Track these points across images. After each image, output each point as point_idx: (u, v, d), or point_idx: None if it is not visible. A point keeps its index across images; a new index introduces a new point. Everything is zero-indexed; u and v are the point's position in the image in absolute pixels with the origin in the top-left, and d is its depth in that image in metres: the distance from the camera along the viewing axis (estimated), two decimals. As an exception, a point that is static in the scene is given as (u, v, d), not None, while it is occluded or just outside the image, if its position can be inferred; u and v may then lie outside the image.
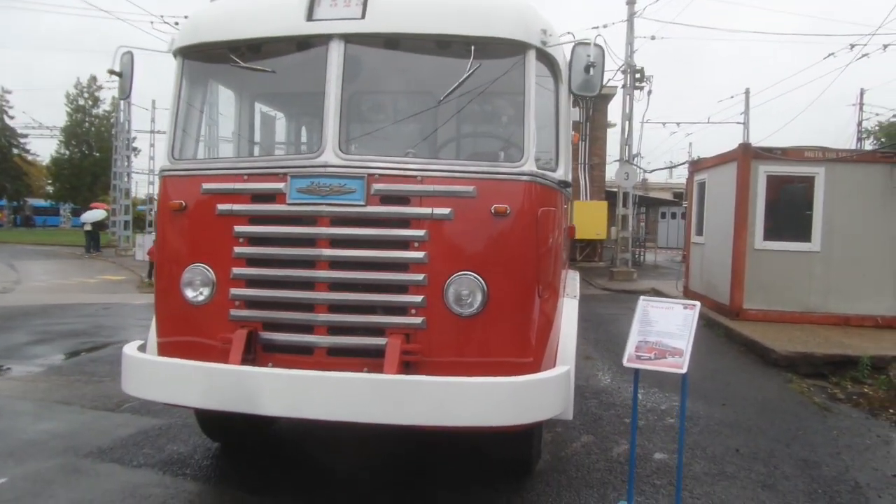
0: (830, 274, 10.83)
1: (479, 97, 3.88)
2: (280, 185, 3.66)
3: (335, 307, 3.63)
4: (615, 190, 21.20)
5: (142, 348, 4.08)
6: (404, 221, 3.60)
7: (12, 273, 20.57)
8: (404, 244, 3.59)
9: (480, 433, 3.67)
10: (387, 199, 3.59)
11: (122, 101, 32.03)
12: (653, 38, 21.65)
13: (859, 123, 34.90)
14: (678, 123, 37.05)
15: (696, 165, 14.27)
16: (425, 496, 4.43)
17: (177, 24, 22.14)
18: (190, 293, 3.85)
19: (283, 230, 3.67)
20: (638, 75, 19.21)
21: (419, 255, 3.56)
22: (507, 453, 4.42)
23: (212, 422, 4.80)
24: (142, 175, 37.41)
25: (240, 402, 3.43)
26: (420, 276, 3.57)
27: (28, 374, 7.69)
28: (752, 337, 9.67)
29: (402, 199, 3.60)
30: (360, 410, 3.29)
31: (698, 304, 4.05)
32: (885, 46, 15.90)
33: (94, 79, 51.68)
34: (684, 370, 3.87)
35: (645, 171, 28.60)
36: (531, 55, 3.75)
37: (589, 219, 20.64)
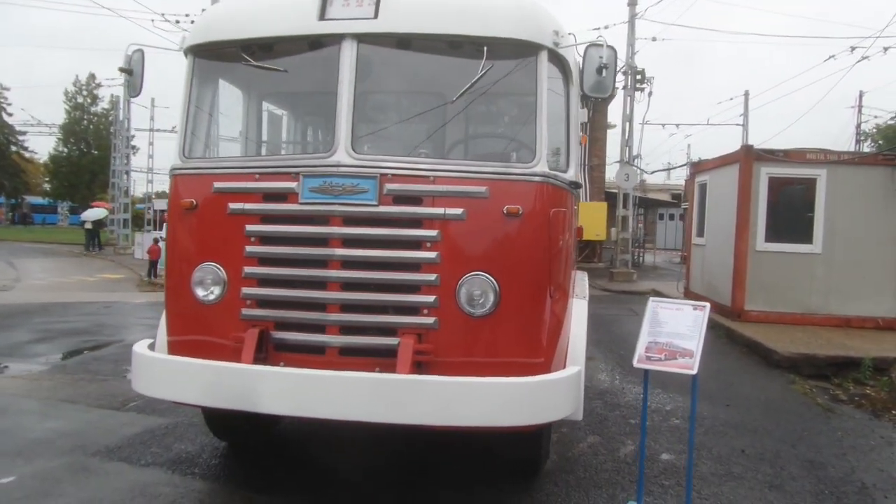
0: (831, 276, 10.86)
1: (491, 98, 3.89)
2: (292, 185, 3.66)
3: (347, 307, 3.63)
4: (615, 191, 21.23)
5: (151, 347, 4.07)
6: (417, 221, 3.60)
7: (11, 271, 20.55)
8: (417, 244, 3.59)
9: (491, 433, 3.69)
10: (399, 199, 3.60)
11: (120, 99, 32.09)
12: (654, 39, 21.73)
13: (858, 126, 34.98)
14: (677, 125, 37.21)
15: (698, 167, 14.30)
16: (430, 496, 4.44)
17: (177, 22, 22.13)
18: (201, 292, 3.85)
19: (296, 229, 3.67)
20: (639, 77, 19.25)
21: (431, 255, 3.57)
22: (516, 453, 4.43)
23: (219, 421, 4.80)
24: (140, 173, 37.34)
25: (251, 402, 3.43)
26: (432, 277, 3.57)
27: (32, 373, 7.68)
28: (754, 338, 9.69)
29: (415, 200, 3.61)
30: (373, 410, 3.29)
31: (708, 305, 4.07)
32: (886, 49, 15.96)
33: (92, 76, 51.67)
34: (695, 371, 3.88)
35: (645, 173, 28.61)
36: (543, 56, 3.75)
37: (588, 220, 20.58)
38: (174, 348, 4.02)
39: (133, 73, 4.30)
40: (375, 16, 3.67)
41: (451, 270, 3.56)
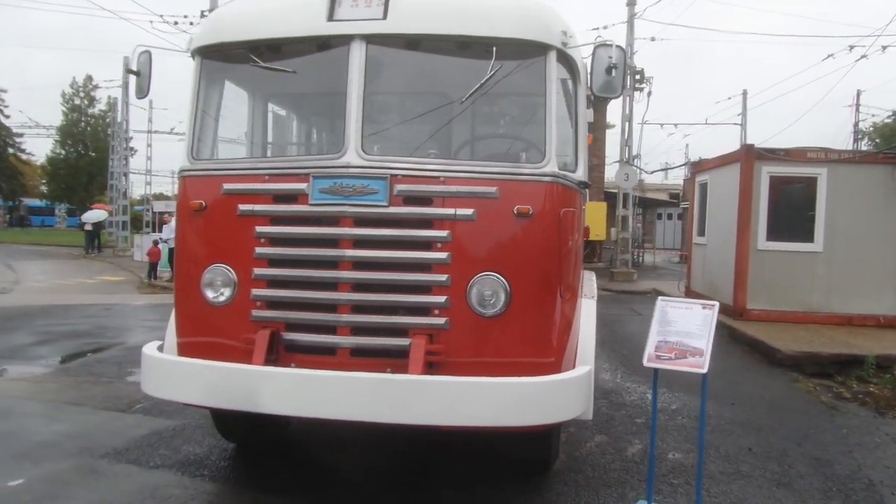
0: (833, 274, 10.89)
1: (500, 98, 3.89)
2: (302, 186, 3.66)
3: (358, 308, 3.63)
4: (614, 191, 21.25)
5: (160, 349, 4.07)
6: (427, 222, 3.60)
7: (10, 273, 20.52)
8: (427, 245, 3.60)
9: (502, 433, 3.69)
10: (410, 199, 3.60)
11: (118, 101, 32.03)
12: (653, 39, 21.75)
13: (856, 124, 35.07)
14: (676, 124, 37.20)
15: (698, 167, 14.32)
16: (435, 496, 4.43)
17: (176, 23, 22.11)
18: (210, 294, 3.85)
19: (306, 231, 3.67)
20: (638, 77, 19.28)
21: (442, 255, 3.57)
22: (527, 453, 4.44)
23: (228, 422, 4.79)
24: (138, 175, 37.28)
25: (261, 404, 3.43)
26: (443, 277, 3.57)
27: (35, 375, 7.67)
28: (756, 337, 9.71)
29: (425, 200, 3.61)
30: (387, 411, 3.29)
31: (717, 303, 4.07)
32: (885, 48, 16.00)
33: (90, 78, 51.62)
34: (705, 370, 3.89)
35: (645, 172, 28.66)
36: (552, 56, 3.76)
37: (589, 220, 20.64)
38: (184, 350, 4.01)
39: (141, 75, 4.29)
40: (384, 17, 3.67)
41: (461, 271, 3.57)
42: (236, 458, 5.00)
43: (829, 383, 8.06)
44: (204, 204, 3.90)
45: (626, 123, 19.78)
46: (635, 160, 21.10)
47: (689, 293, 14.00)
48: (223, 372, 3.51)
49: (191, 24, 22.68)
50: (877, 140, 36.49)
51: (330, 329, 3.67)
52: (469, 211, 3.56)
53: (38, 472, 4.61)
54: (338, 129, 3.91)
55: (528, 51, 3.75)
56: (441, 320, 3.58)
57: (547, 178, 3.63)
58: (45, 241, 38.79)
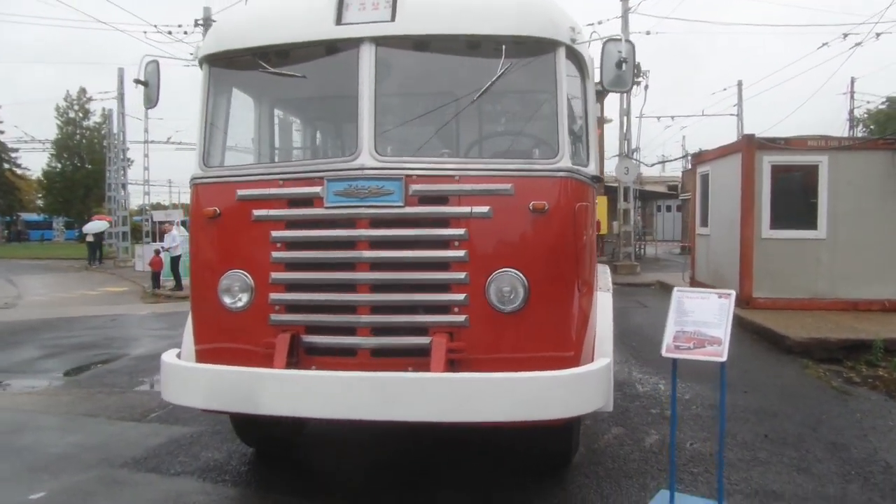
0: (837, 260, 10.92)
1: (510, 96, 3.91)
2: (317, 189, 3.68)
3: (378, 308, 3.64)
4: (614, 185, 21.27)
5: (178, 356, 4.08)
6: (444, 221, 3.62)
7: (12, 288, 20.49)
8: (444, 243, 3.61)
9: (525, 428, 3.71)
10: (425, 199, 3.61)
11: (113, 113, 31.99)
12: (648, 33, 21.74)
13: (851, 112, 35.10)
14: (673, 117, 37.19)
15: (699, 158, 14.36)
16: (459, 494, 4.43)
17: (170, 32, 22.09)
18: (228, 299, 3.86)
19: (323, 234, 3.68)
20: (635, 71, 19.27)
21: (460, 253, 3.59)
22: (548, 446, 4.45)
23: (247, 427, 4.80)
24: (136, 186, 37.27)
25: (289, 407, 3.45)
26: (462, 275, 3.59)
27: (47, 389, 7.68)
28: (764, 325, 9.73)
29: (441, 199, 3.62)
30: (413, 410, 3.31)
31: (733, 292, 4.08)
32: (878, 35, 16.02)
33: (83, 91, 51.46)
34: (724, 358, 3.90)
35: (645, 165, 28.69)
36: (561, 52, 3.77)
37: (593, 214, 20.72)
38: (202, 356, 4.03)
39: (149, 85, 4.30)
40: (392, 18, 3.68)
41: (479, 268, 3.58)
42: (256, 462, 5.01)
43: (838, 368, 8.09)
44: (218, 211, 3.91)
45: (625, 117, 19.83)
46: (634, 153, 21.13)
47: (694, 283, 14.02)
48: (247, 377, 3.52)
49: (185, 33, 22.75)
50: (871, 126, 36.50)
51: (349, 330, 3.69)
52: (485, 208, 3.58)
53: (59, 484, 4.61)
54: (350, 131, 3.93)
55: (537, 48, 3.77)
56: (461, 318, 3.59)
57: (561, 174, 3.65)
58: (44, 254, 38.74)
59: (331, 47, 3.84)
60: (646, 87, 19.76)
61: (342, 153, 3.90)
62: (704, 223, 13.66)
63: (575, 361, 3.70)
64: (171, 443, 5.40)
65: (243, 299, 3.84)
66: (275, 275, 3.77)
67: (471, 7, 3.73)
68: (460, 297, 3.59)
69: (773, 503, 4.25)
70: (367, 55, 3.68)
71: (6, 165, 53.97)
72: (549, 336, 3.67)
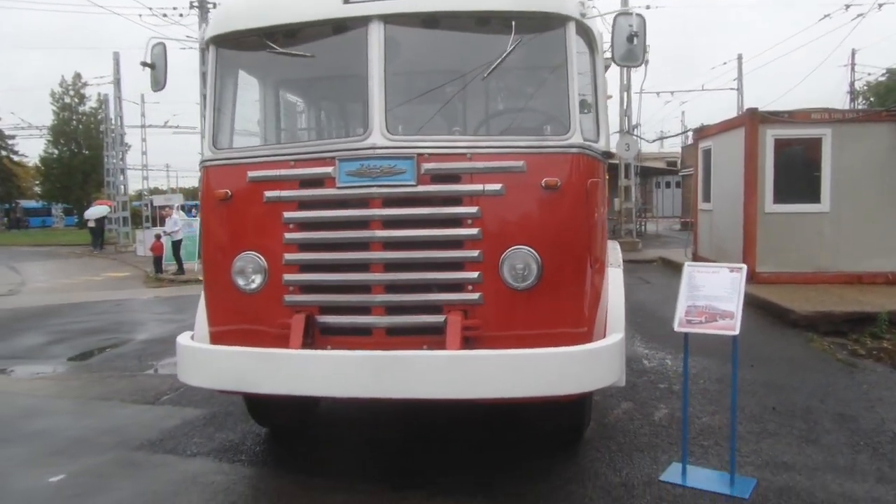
0: (840, 233, 10.93)
1: (521, 72, 3.89)
2: (328, 170, 3.67)
3: (392, 287, 3.66)
4: (615, 162, 21.20)
5: (192, 339, 4.10)
6: (456, 199, 3.63)
7: (15, 275, 20.52)
8: (457, 221, 3.62)
9: (539, 403, 3.75)
10: (438, 177, 3.61)
11: (109, 97, 31.82)
12: (647, 7, 21.54)
13: (851, 84, 34.91)
14: (672, 92, 36.83)
15: (701, 133, 14.30)
16: (475, 469, 4.47)
17: (165, 15, 21.91)
18: (241, 281, 3.88)
19: (336, 214, 3.69)
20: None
21: (473, 231, 3.60)
22: (561, 422, 4.50)
23: (261, 407, 4.84)
24: (134, 171, 37.16)
25: (308, 387, 3.49)
26: (475, 253, 3.60)
27: (58, 374, 7.74)
28: (768, 299, 9.76)
29: (453, 178, 3.63)
30: (433, 388, 3.35)
31: (745, 266, 4.11)
32: (881, 6, 15.88)
33: (78, 76, 51.06)
34: (737, 332, 3.94)
35: (646, 141, 28.60)
36: (571, 27, 3.75)
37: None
38: (216, 338, 4.05)
39: (156, 68, 4.29)
40: None
41: (493, 246, 3.60)
42: (270, 441, 5.06)
43: (843, 341, 8.13)
44: (229, 193, 3.91)
45: (625, 93, 19.73)
46: (635, 130, 21.06)
47: (697, 259, 14.05)
48: (264, 357, 3.55)
49: (181, 15, 22.53)
50: (871, 99, 36.32)
51: (364, 310, 3.71)
52: (497, 186, 3.58)
53: (77, 467, 4.66)
54: (360, 111, 3.92)
55: (547, 23, 3.75)
56: (475, 295, 3.61)
57: (573, 150, 3.65)
58: (45, 241, 38.71)
59: (339, 26, 3.82)
60: (646, 63, 19.59)
61: (353, 133, 3.89)
62: (707, 198, 13.65)
63: (588, 337, 3.73)
64: (185, 424, 5.45)
65: (257, 281, 3.85)
66: (288, 256, 3.78)
67: None
68: (474, 274, 3.61)
69: (783, 474, 4.30)
70: (376, 33, 3.66)
71: (3, 153, 53.75)
72: (563, 312, 3.70)
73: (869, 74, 34.88)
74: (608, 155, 4.23)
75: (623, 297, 4.21)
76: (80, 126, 51.48)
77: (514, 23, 3.64)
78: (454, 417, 5.26)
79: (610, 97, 23.93)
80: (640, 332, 8.55)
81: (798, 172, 11.14)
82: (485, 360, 3.37)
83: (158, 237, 18.92)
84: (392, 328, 3.68)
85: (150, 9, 20.98)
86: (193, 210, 28.04)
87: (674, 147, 47.32)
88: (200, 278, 15.18)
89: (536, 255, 3.58)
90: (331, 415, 5.59)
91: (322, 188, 3.71)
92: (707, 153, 13.56)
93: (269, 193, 3.80)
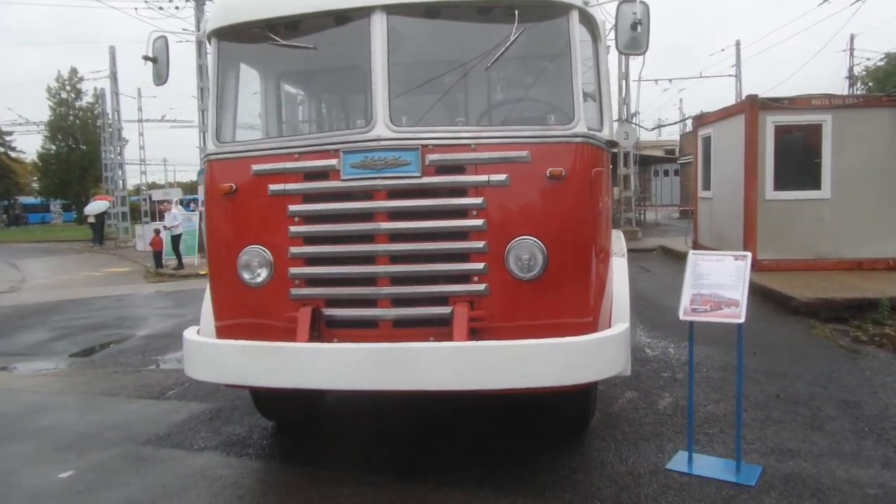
0: (841, 220, 10.94)
1: (524, 62, 3.87)
2: (333, 162, 3.67)
3: (398, 279, 3.66)
4: (614, 150, 21.19)
5: (199, 333, 4.10)
6: (461, 190, 3.62)
7: (15, 272, 20.51)
8: (463, 213, 3.62)
9: (547, 393, 3.75)
10: (442, 168, 3.60)
11: (106, 92, 31.68)
12: (644, -6, 21.39)
13: (850, 69, 34.81)
14: (670, 80, 36.67)
15: (701, 120, 14.28)
16: (481, 459, 4.49)
17: (161, 8, 21.81)
18: (247, 275, 3.87)
19: (341, 206, 3.68)
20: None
21: (478, 222, 3.59)
22: (567, 411, 4.52)
23: (268, 401, 4.86)
24: (132, 165, 37.03)
25: (316, 380, 3.49)
26: (481, 244, 3.60)
27: (62, 370, 7.74)
28: (769, 286, 9.78)
29: (458, 168, 3.62)
30: (441, 380, 3.35)
31: (749, 254, 4.12)
32: (880, -11, 15.78)
33: (74, 71, 50.87)
34: (742, 320, 3.95)
35: (645, 129, 28.54)
36: (574, 16, 3.74)
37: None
38: (223, 332, 4.05)
39: (158, 61, 4.27)
40: None
41: (498, 236, 3.59)
42: (276, 435, 5.07)
43: (845, 328, 8.15)
44: (234, 186, 3.90)
45: (623, 81, 19.67)
46: (634, 118, 21.02)
47: (698, 247, 14.06)
48: (272, 351, 3.55)
49: (176, 8, 22.44)
50: (869, 84, 36.22)
51: (370, 302, 3.71)
52: (502, 176, 3.57)
53: (85, 462, 4.68)
54: (363, 103, 3.90)
55: (550, 12, 3.74)
56: (481, 286, 3.61)
57: (578, 139, 3.64)
58: (44, 238, 38.67)
59: (341, 17, 3.80)
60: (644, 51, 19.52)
61: (357, 125, 3.88)
62: (707, 186, 13.64)
63: (593, 327, 3.74)
64: (191, 419, 5.46)
65: (262, 274, 3.85)
66: (293, 249, 3.77)
67: None
68: (480, 265, 3.61)
69: (789, 461, 4.32)
70: (379, 24, 3.64)
71: (1, 149, 53.55)
72: (569, 302, 3.70)
73: (868, 59, 34.84)
74: (612, 144, 4.23)
75: (628, 286, 4.21)
76: (77, 121, 51.33)
77: (517, 12, 3.62)
78: (459, 409, 5.28)
79: (608, 86, 23.92)
80: (642, 321, 8.55)
81: (798, 159, 11.13)
82: (492, 351, 3.38)
83: (158, 232, 18.91)
84: (398, 320, 3.68)
85: (146, 1, 20.81)
86: (192, 204, 27.99)
87: (672, 135, 47.29)
88: (201, 273, 15.22)
89: (542, 245, 3.58)
90: (337, 407, 5.60)
91: (327, 181, 3.70)
92: (707, 141, 13.54)
93: (273, 187, 3.79)
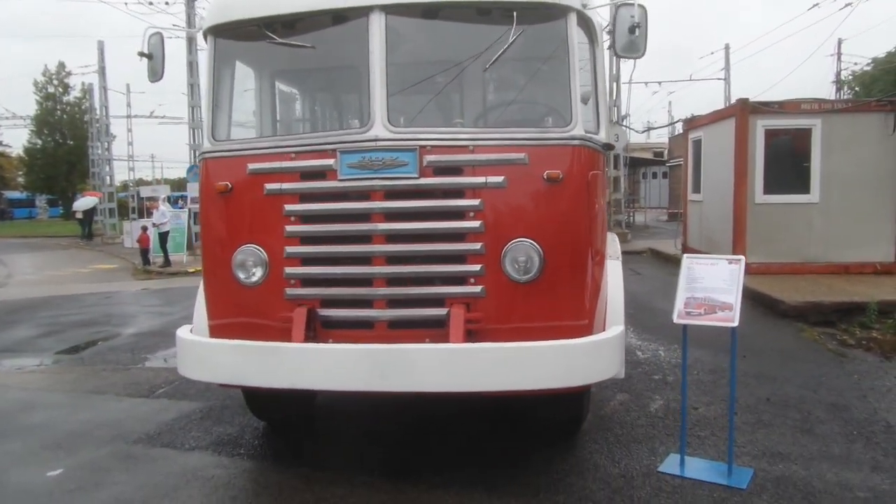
0: (829, 224, 11.04)
1: (522, 64, 3.88)
2: (330, 162, 3.65)
3: (394, 280, 3.65)
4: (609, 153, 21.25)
5: (192, 332, 4.07)
6: (458, 191, 3.62)
7: (2, 268, 20.28)
8: (460, 214, 3.62)
9: (542, 396, 3.76)
10: (440, 170, 3.60)
11: (94, 87, 31.42)
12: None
13: (838, 74, 35.11)
14: (660, 82, 36.86)
15: (692, 123, 14.36)
16: (473, 461, 4.49)
17: (151, 3, 21.64)
18: (242, 274, 3.85)
19: (337, 206, 3.67)
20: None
21: (475, 224, 3.59)
22: (561, 414, 4.52)
23: (260, 401, 4.83)
24: (120, 161, 36.78)
25: (311, 380, 3.48)
26: (477, 245, 3.60)
27: (50, 367, 7.67)
28: (759, 290, 9.84)
29: (456, 170, 3.62)
30: (436, 381, 3.36)
31: (743, 258, 4.15)
32: (869, -5, 15.93)
33: (62, 65, 50.39)
34: (735, 324, 3.98)
35: (636, 132, 28.65)
36: (572, 18, 3.75)
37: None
38: (216, 332, 4.03)
39: (153, 58, 4.23)
40: None
41: (495, 238, 3.60)
42: (269, 435, 5.05)
43: (832, 331, 8.22)
44: (229, 185, 3.88)
45: (614, 84, 19.72)
46: (624, 120, 21.10)
47: (687, 250, 14.13)
48: (268, 351, 3.54)
49: (167, 3, 22.28)
50: (856, 88, 36.51)
51: (366, 303, 3.70)
52: (499, 178, 3.58)
53: (75, 461, 4.64)
54: (361, 103, 3.90)
55: (548, 14, 3.74)
56: (477, 288, 3.61)
57: (575, 142, 3.65)
58: (31, 233, 38.28)
59: (340, 16, 3.79)
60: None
61: (354, 125, 3.87)
62: (697, 189, 13.72)
63: (588, 330, 3.75)
64: (181, 418, 5.43)
65: (257, 274, 3.83)
66: (289, 249, 3.76)
67: None
68: (476, 267, 3.61)
69: (780, 464, 4.35)
70: (378, 24, 3.63)
71: (-15, 143, 53.03)
72: (564, 305, 3.70)
73: (855, 64, 35.03)
74: (608, 147, 4.24)
75: (622, 289, 4.23)
76: (65, 116, 50.86)
77: (515, 13, 3.63)
78: (453, 410, 5.28)
79: (600, 88, 24.00)
80: (633, 324, 8.57)
81: (788, 163, 11.22)
82: (487, 353, 3.38)
83: (145, 229, 18.77)
84: (394, 321, 3.67)
85: (137, -5, 20.64)
86: (180, 201, 27.85)
87: (660, 137, 47.50)
88: (189, 270, 15.08)
89: (538, 247, 3.59)
90: (330, 407, 5.58)
91: (323, 180, 3.69)
92: (697, 144, 13.62)
93: (269, 186, 3.77)
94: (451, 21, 3.83)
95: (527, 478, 4.15)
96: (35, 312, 11.47)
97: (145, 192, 26.53)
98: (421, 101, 3.94)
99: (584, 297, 3.75)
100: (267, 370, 3.53)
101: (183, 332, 3.97)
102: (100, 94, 30.19)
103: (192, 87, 20.68)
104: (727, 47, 33.37)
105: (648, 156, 44.19)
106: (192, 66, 20.48)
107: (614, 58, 19.46)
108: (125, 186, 36.93)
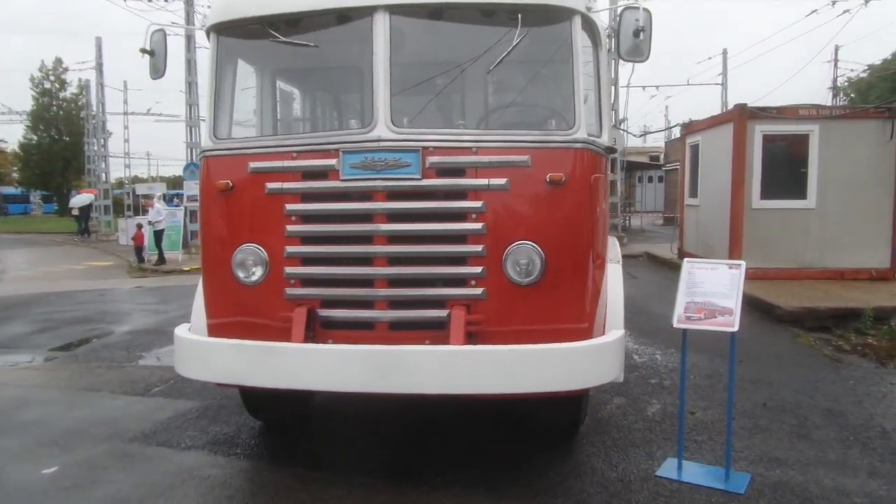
0: (826, 229, 11.06)
1: (525, 66, 3.87)
2: (332, 162, 3.64)
3: (395, 281, 3.64)
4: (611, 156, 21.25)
5: (190, 331, 4.06)
6: (461, 193, 3.61)
7: (-5, 263, 20.22)
8: (462, 216, 3.61)
9: (541, 398, 3.76)
10: (443, 171, 3.60)
11: (91, 84, 31.33)
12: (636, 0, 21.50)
13: (834, 80, 35.28)
14: (657, 87, 36.91)
15: (689, 128, 14.39)
16: (472, 462, 4.49)
17: (150, 0, 21.58)
18: (242, 273, 3.84)
19: (339, 206, 3.66)
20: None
21: (477, 226, 3.59)
22: (559, 417, 4.52)
23: (257, 400, 4.81)
24: (116, 158, 36.67)
25: (311, 381, 3.47)
26: (479, 248, 3.59)
27: (45, 364, 7.64)
28: (755, 295, 9.85)
29: (458, 171, 3.61)
30: (436, 383, 3.34)
31: (743, 263, 4.15)
32: (867, 1, 16.01)
33: (59, 61, 50.22)
34: (735, 328, 3.98)
35: (633, 136, 28.69)
36: (577, 21, 3.74)
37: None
38: (215, 331, 4.01)
39: (155, 55, 4.22)
40: None
41: (497, 240, 3.59)
42: (265, 435, 5.03)
43: (828, 337, 8.25)
44: (230, 184, 3.86)
45: (612, 87, 19.74)
46: (622, 124, 21.13)
47: (683, 255, 14.15)
48: (267, 351, 3.52)
49: (165, 0, 22.21)
50: (852, 95, 36.71)
51: (367, 304, 3.69)
52: (502, 180, 3.57)
53: (71, 458, 4.61)
54: (364, 103, 3.89)
55: (553, 17, 3.74)
56: (478, 290, 3.61)
57: (578, 145, 3.65)
58: (25, 229, 38.14)
59: (344, 16, 3.78)
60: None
61: (357, 125, 3.86)
62: (694, 194, 13.74)
63: (588, 333, 3.74)
64: (177, 417, 5.41)
65: (257, 273, 3.82)
66: (290, 248, 3.75)
67: None
68: (478, 269, 3.60)
69: (777, 469, 4.35)
70: (382, 24, 3.63)
71: (-20, 138, 52.75)
72: (565, 308, 3.70)
73: (851, 71, 35.25)
74: (610, 150, 4.24)
75: (622, 293, 4.23)
76: (61, 112, 50.70)
77: (519, 15, 3.62)
78: (452, 412, 5.27)
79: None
80: (629, 328, 8.49)
81: (785, 168, 11.25)
82: (488, 355, 3.37)
83: (140, 227, 18.72)
84: (395, 323, 3.67)
85: (136, -8, 20.62)
86: (176, 199, 27.79)
87: (656, 141, 47.55)
88: (185, 269, 15.05)
89: (540, 250, 3.58)
90: (328, 408, 5.56)
91: (325, 180, 3.68)
92: (695, 148, 13.65)
93: (270, 185, 3.76)
94: (456, 22, 3.82)
95: (528, 479, 4.15)
96: (29, 309, 11.43)
97: (141, 189, 26.49)
98: (424, 102, 3.93)
99: (585, 300, 3.75)
100: (266, 370, 3.52)
101: (181, 331, 3.96)
102: (97, 91, 30.16)
103: (190, 84, 20.63)
104: (724, 52, 33.50)
105: (644, 160, 44.21)
106: (190, 64, 20.44)
107: (613, 62, 19.50)
108: (121, 183, 36.83)
